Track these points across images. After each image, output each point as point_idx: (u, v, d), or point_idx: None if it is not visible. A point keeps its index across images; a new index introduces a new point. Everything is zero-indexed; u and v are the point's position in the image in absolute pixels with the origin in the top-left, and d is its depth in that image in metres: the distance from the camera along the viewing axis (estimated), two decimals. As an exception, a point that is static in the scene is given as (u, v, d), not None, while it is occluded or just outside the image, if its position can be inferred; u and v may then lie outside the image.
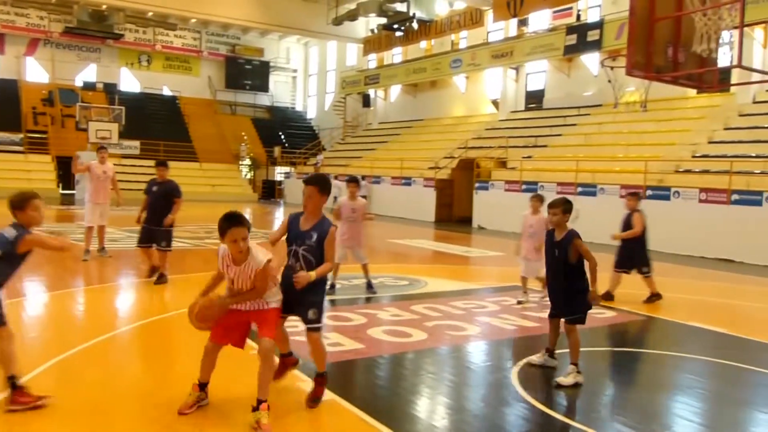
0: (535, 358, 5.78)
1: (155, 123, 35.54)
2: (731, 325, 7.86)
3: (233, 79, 41.51)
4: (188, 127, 37.34)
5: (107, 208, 11.47)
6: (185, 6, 32.00)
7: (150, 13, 35.11)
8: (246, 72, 41.87)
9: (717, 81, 7.39)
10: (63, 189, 29.76)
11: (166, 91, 40.28)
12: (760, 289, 11.10)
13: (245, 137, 37.76)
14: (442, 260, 9.87)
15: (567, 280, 5.40)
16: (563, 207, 5.42)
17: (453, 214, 23.55)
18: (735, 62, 6.71)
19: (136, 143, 31.68)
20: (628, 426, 4.52)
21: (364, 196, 31.48)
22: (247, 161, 37.59)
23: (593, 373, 5.74)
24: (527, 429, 4.51)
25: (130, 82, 39.38)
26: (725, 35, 6.69)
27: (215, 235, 14.87)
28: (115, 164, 12.39)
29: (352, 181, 9.14)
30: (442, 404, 4.92)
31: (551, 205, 5.48)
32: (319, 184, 4.51)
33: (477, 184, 21.88)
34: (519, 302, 8.54)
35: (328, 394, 4.71)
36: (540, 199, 8.59)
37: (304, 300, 4.46)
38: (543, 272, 6.62)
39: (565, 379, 5.26)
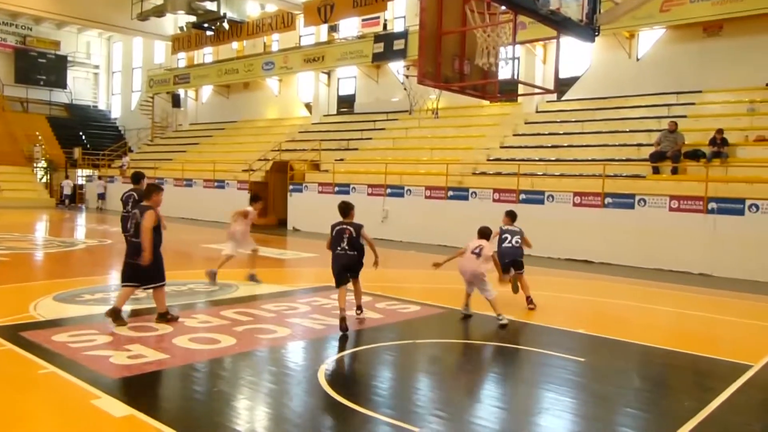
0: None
1: (-74, 121, 31.36)
2: (522, 314, 8.72)
3: (24, 73, 37.94)
4: (-31, 125, 33.41)
5: None
6: (-38, -10, 28.42)
7: None
8: (40, 66, 38.43)
9: (497, 92, 8.20)
10: None
11: (-59, 85, 35.71)
12: (541, 278, 12.42)
13: (40, 137, 34.55)
14: (255, 263, 9.86)
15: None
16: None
17: (268, 216, 23.45)
18: (513, 76, 7.45)
19: None
20: (441, 416, 4.89)
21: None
22: (43, 163, 34.42)
23: (404, 367, 6.10)
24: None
25: None
26: (504, 51, 7.40)
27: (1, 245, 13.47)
28: None
29: None
30: (248, 410, 4.95)
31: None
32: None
33: (291, 187, 22.01)
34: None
35: (126, 410, 4.55)
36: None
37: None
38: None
39: None
